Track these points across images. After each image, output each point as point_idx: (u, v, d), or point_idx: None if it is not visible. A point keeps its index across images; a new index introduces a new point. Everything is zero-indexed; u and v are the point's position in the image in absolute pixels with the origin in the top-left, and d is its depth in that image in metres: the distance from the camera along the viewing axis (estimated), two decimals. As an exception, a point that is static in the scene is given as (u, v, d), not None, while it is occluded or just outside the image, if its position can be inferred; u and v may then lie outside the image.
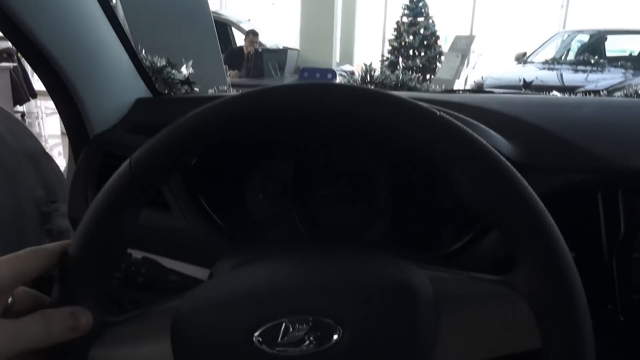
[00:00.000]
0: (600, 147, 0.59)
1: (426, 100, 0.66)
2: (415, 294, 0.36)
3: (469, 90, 1.11)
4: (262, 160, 0.70)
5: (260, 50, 5.53)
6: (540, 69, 5.28)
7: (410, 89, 0.99)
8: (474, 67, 6.57)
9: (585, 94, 1.24)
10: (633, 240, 0.55)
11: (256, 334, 0.35)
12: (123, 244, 0.39)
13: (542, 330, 0.35)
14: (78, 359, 0.37)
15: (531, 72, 5.10)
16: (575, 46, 6.11)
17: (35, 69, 0.70)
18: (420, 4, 8.26)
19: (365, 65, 1.04)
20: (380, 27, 9.69)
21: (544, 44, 6.17)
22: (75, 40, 0.70)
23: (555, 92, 0.96)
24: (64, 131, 0.77)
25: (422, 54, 8.30)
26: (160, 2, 1.54)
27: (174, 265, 0.52)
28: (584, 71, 5.01)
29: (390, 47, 8.55)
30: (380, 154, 0.67)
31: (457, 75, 6.28)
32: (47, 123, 5.01)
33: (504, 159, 0.37)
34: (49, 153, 0.92)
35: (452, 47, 6.73)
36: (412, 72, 1.05)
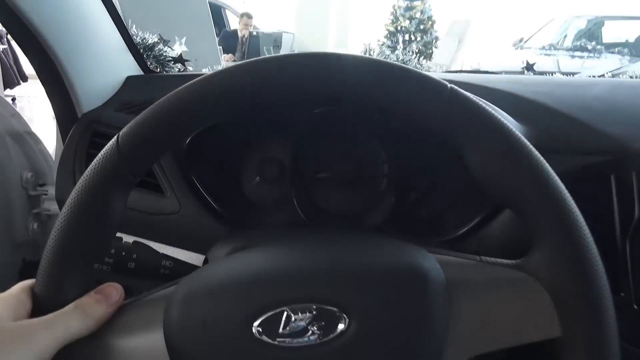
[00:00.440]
0: (614, 128, 0.56)
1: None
2: (426, 279, 0.34)
3: (472, 71, 1.08)
4: (260, 140, 0.67)
5: (255, 33, 5.45)
6: (538, 55, 5.24)
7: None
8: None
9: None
10: (647, 225, 0.52)
11: (255, 323, 0.33)
12: (111, 227, 0.36)
13: (562, 318, 0.33)
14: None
15: (529, 58, 5.05)
16: (572, 32, 6.07)
17: (21, 45, 0.66)
18: (417, -13, 8.17)
19: (365, 44, 1.00)
20: (376, 10, 9.58)
21: (540, 29, 6.12)
22: (63, 14, 0.67)
23: (558, 75, 0.93)
24: (56, 115, 0.74)
25: (419, 38, 8.22)
26: (152, -22, 1.49)
27: (167, 251, 0.50)
28: (580, 57, 4.97)
29: (386, 32, 8.46)
30: (382, 134, 0.65)
31: (454, 60, 6.23)
32: (39, 107, 4.93)
33: (523, 137, 0.34)
34: (38, 135, 0.89)
35: (449, 32, 6.67)
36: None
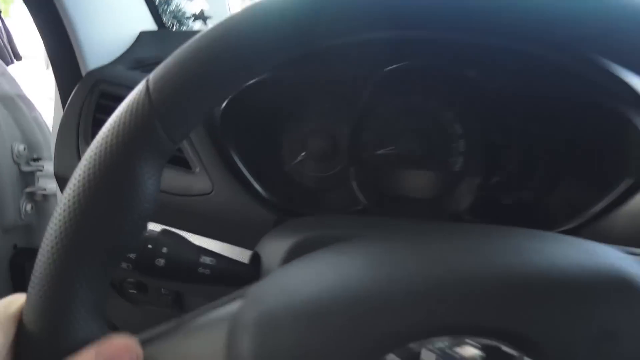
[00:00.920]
0: None
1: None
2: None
3: None
4: (307, 106, 0.54)
5: None
6: None
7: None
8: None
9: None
10: None
11: None
12: (142, 215, 0.23)
13: None
14: None
15: None
16: None
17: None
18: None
19: None
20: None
21: None
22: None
23: None
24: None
25: None
26: None
27: (202, 243, 0.37)
28: None
29: None
30: (458, 102, 0.52)
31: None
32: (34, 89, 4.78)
33: None
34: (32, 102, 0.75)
35: None
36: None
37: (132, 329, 0.24)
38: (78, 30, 0.58)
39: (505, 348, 0.21)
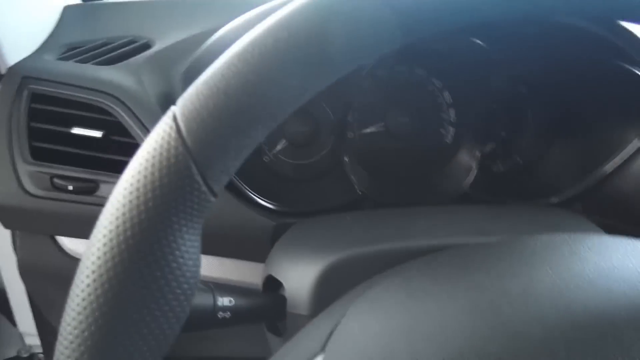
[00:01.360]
0: None
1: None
2: None
3: None
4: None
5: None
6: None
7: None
8: None
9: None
10: None
11: None
12: (185, 302, 0.18)
13: None
14: None
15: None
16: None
17: None
18: None
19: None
20: None
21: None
22: None
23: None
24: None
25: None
26: None
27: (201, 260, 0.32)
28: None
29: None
30: (444, 70, 0.48)
31: None
32: None
33: None
34: None
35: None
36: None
37: None
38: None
39: None
